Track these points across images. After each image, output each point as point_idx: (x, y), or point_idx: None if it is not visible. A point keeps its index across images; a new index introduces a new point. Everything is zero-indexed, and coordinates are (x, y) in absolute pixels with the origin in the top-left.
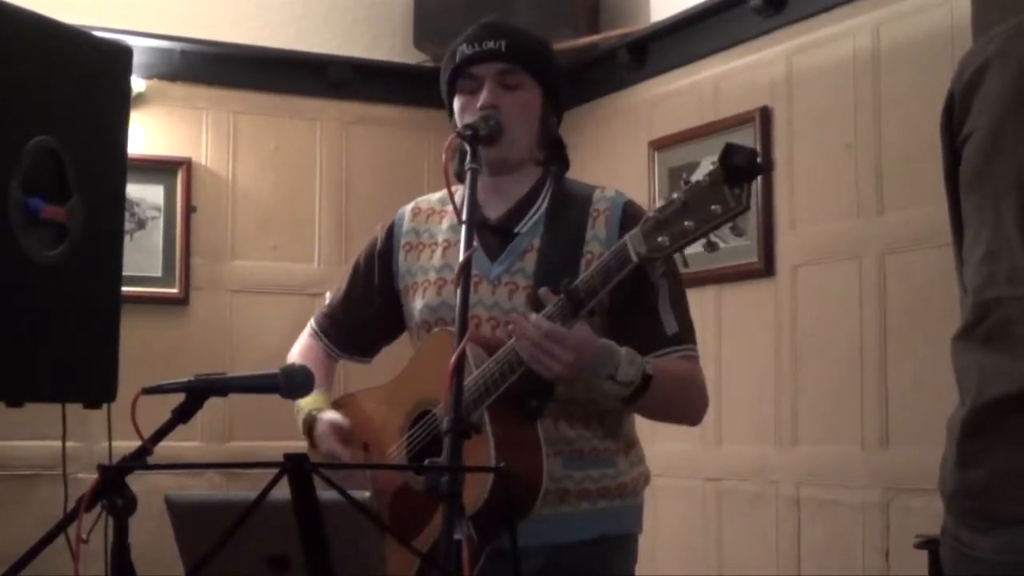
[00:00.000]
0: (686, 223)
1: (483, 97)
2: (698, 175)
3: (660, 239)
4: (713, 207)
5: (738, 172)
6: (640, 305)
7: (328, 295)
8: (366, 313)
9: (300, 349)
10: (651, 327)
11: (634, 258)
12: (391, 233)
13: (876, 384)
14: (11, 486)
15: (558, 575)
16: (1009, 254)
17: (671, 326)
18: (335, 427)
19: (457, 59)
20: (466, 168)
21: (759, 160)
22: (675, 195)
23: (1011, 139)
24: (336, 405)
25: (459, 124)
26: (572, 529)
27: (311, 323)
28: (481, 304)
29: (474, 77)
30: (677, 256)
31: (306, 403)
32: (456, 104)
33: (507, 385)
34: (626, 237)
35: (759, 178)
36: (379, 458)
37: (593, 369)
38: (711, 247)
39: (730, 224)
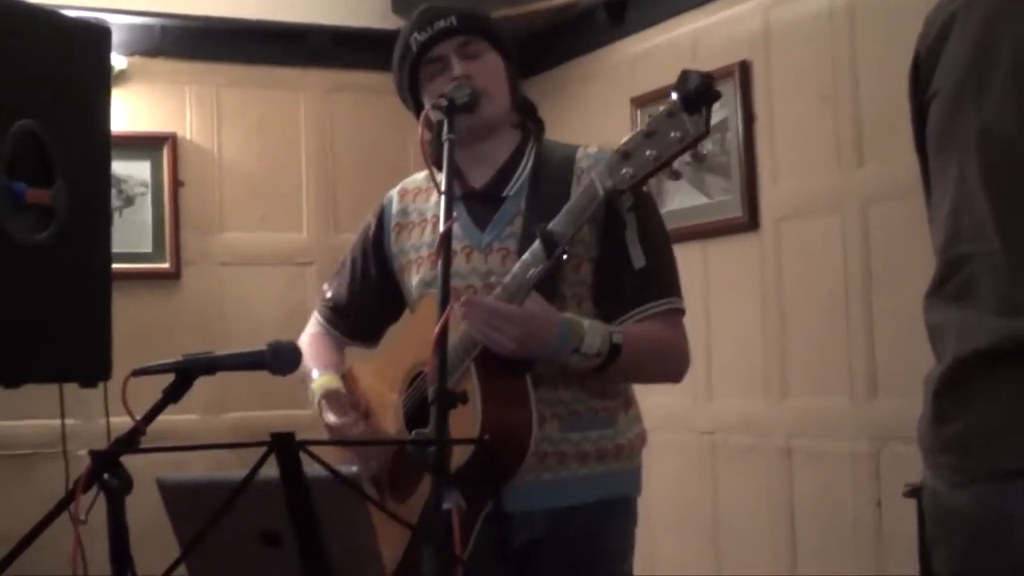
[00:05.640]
0: (648, 152)
1: (455, 69)
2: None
3: (624, 171)
4: (673, 134)
5: (694, 97)
6: (616, 251)
7: (326, 286)
8: (368, 301)
9: (309, 342)
10: (626, 275)
11: (600, 192)
12: (381, 218)
13: (863, 335)
14: (11, 465)
15: (559, 539)
16: (973, 209)
17: (639, 259)
18: (331, 397)
19: (414, 48)
20: (443, 139)
21: (713, 83)
22: (638, 128)
23: (973, 96)
24: (344, 379)
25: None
26: (572, 493)
27: (315, 317)
28: (475, 273)
29: (437, 59)
30: (663, 175)
31: (318, 386)
32: (426, 92)
33: (476, 353)
34: (593, 174)
35: (740, 131)
36: (381, 422)
37: (551, 344)
38: (674, 175)
39: (691, 151)
